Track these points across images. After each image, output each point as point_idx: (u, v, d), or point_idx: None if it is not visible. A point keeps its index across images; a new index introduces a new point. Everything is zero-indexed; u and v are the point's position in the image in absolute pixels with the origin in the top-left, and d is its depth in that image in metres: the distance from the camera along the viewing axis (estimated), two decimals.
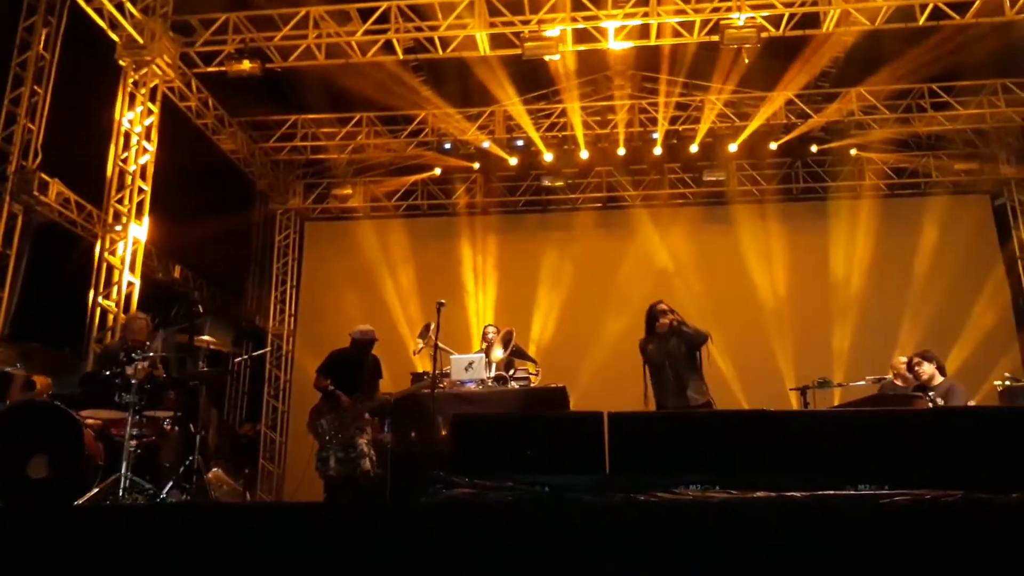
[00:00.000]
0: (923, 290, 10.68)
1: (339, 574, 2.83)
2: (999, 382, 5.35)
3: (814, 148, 11.23)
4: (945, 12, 8.44)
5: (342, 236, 12.30)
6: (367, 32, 9.07)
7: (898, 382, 6.60)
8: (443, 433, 5.74)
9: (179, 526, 3.04)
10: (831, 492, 3.18)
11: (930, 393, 5.73)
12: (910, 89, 10.86)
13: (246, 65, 9.09)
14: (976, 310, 10.61)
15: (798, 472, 3.30)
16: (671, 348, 5.64)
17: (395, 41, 9.17)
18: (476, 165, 11.67)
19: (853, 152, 11.35)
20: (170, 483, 4.79)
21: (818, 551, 2.75)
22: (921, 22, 8.53)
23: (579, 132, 11.04)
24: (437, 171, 11.94)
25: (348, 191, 12.17)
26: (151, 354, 4.93)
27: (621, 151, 11.30)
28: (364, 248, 11.78)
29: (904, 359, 6.78)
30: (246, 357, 6.52)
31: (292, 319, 12.29)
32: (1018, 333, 11.11)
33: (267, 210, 12.64)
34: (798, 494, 3.14)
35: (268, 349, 8.84)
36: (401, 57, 9.37)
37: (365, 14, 8.99)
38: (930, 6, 8.40)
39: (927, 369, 5.96)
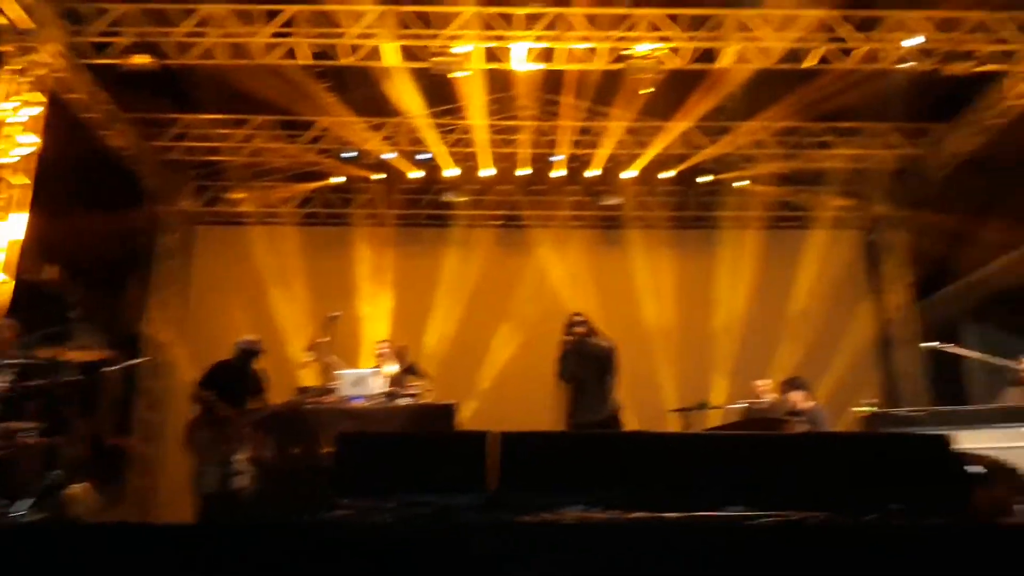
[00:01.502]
0: (799, 319, 11.24)
1: None
2: (860, 408, 5.71)
3: (706, 179, 11.68)
4: (831, 57, 8.99)
5: (233, 242, 11.86)
6: (271, 35, 8.87)
7: (763, 405, 6.94)
8: (326, 450, 5.62)
9: (25, 548, 2.84)
10: (703, 514, 3.30)
11: (799, 418, 6.06)
12: (796, 127, 11.46)
13: (141, 60, 8.74)
14: (846, 339, 11.27)
15: (674, 493, 3.41)
16: (577, 365, 5.69)
17: (300, 47, 8.99)
18: (377, 176, 11.54)
19: (742, 184, 11.86)
20: (29, 500, 4.47)
21: (689, 571, 2.84)
22: (810, 64, 9.05)
23: (482, 150, 11.07)
24: (337, 180, 11.71)
25: (242, 196, 11.80)
26: (14, 362, 4.61)
27: (523, 171, 11.43)
28: (256, 255, 11.40)
29: (762, 383, 7.14)
30: (122, 366, 6.20)
31: (175, 326, 11.76)
32: (882, 362, 11.89)
33: (155, 211, 12.09)
34: (673, 515, 3.23)
35: (147, 358, 8.41)
36: (306, 63, 9.20)
37: (270, 16, 8.79)
38: (821, 50, 8.93)
39: (795, 396, 6.32)
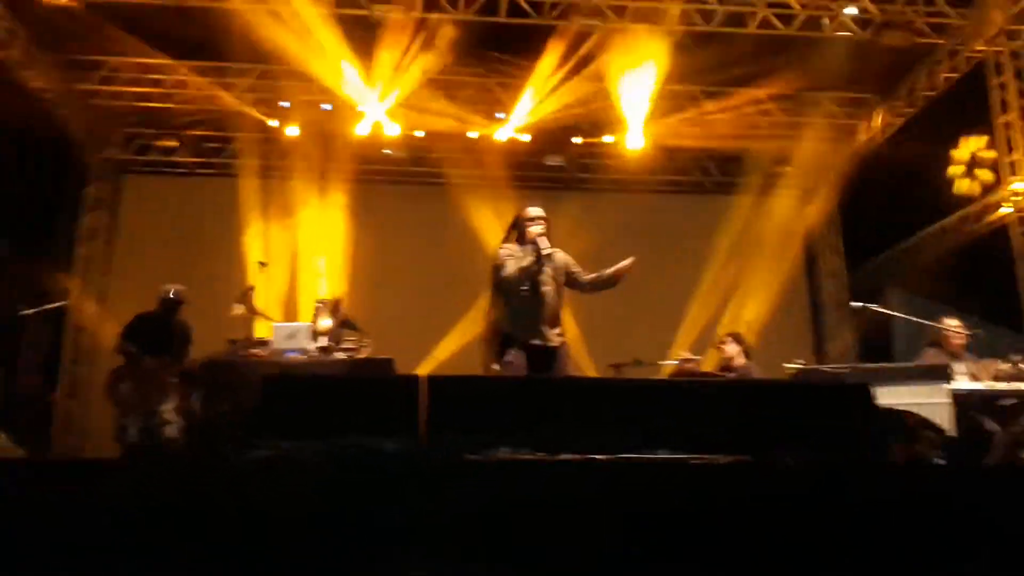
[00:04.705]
0: (736, 282, 11.40)
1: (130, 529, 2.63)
2: (790, 365, 5.85)
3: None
4: (771, 23, 9.06)
5: (164, 192, 11.39)
6: None
7: (693, 362, 6.99)
8: None
9: None
10: (632, 456, 3.32)
11: (730, 374, 6.19)
12: (734, 93, 11.42)
13: None
14: (780, 303, 11.50)
15: (604, 436, 3.43)
16: (547, 270, 4.71)
17: None
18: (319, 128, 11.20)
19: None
20: None
21: (615, 510, 2.87)
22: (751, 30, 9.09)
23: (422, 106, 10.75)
24: (275, 123, 11.26)
25: (174, 144, 11.32)
26: None
27: (472, 134, 11.23)
28: (188, 206, 10.98)
29: (727, 347, 7.21)
30: (39, 309, 5.96)
31: (102, 279, 11.33)
32: (814, 326, 12.23)
33: (81, 159, 11.56)
34: (601, 457, 3.25)
35: (63, 303, 8.06)
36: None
37: None
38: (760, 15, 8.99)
39: (730, 349, 6.44)
